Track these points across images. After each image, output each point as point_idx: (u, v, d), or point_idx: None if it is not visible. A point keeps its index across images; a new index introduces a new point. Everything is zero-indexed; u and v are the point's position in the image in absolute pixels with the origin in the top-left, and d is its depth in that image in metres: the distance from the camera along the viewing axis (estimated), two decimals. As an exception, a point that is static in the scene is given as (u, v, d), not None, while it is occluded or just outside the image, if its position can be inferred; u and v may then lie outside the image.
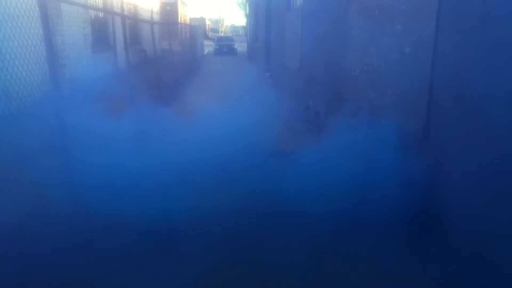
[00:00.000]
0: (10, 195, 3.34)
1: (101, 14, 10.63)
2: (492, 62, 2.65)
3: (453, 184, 3.09)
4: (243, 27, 62.30)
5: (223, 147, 6.06)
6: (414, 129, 3.54)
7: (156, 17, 13.00)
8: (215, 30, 65.66)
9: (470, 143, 2.87)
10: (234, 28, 76.89)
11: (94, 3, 6.54)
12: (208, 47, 35.57)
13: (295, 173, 5.04)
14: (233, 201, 4.16)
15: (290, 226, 3.69)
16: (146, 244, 3.39)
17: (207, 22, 62.56)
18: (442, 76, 3.19)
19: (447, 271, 2.97)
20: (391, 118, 4.03)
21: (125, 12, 7.19)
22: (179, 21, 25.30)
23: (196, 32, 23.28)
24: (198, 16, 54.19)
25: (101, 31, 11.04)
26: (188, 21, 32.97)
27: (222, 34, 51.68)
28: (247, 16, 31.46)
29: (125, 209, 3.79)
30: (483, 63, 2.74)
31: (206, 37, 49.32)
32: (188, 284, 2.88)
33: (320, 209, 3.94)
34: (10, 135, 3.69)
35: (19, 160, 3.68)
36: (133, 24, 11.79)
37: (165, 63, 11.49)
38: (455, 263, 3.01)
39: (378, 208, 3.98)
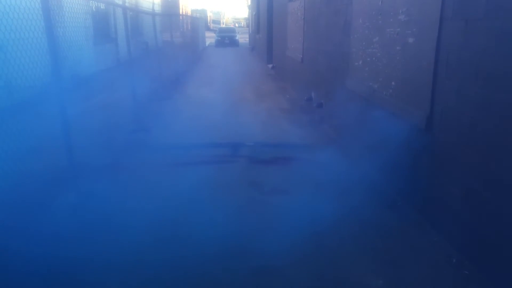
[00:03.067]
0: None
1: (102, 6, 10.57)
2: (497, 52, 2.63)
3: (456, 175, 3.08)
4: (245, 18, 61.95)
5: (222, 139, 6.06)
6: (418, 120, 3.53)
7: (157, 9, 12.92)
8: (216, 22, 65.30)
9: (474, 134, 2.86)
10: (236, 20, 76.47)
11: (95, -5, 6.51)
12: (210, 38, 35.43)
13: (297, 166, 5.04)
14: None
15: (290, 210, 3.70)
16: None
17: (209, 14, 62.20)
18: (446, 67, 3.17)
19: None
20: (394, 109, 4.01)
21: (127, 4, 7.15)
22: (181, 12, 25.17)
23: (197, 23, 23.17)
24: (199, 8, 53.87)
25: (102, 23, 11.00)
26: (189, 13, 32.80)
27: (223, 26, 51.39)
28: (249, 7, 31.26)
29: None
30: (487, 54, 2.71)
31: (208, 28, 49.07)
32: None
33: (319, 201, 3.95)
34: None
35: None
36: (134, 15, 11.73)
37: (167, 55, 11.45)
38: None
39: (381, 197, 3.99)
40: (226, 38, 31.23)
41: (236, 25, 62.28)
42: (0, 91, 4.75)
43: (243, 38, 36.68)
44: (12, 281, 2.77)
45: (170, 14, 14.85)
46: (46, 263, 2.94)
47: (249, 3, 30.50)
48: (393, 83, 4.03)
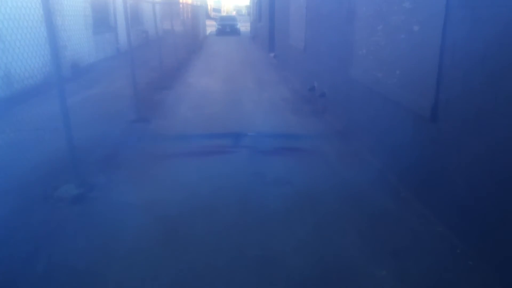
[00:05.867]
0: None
1: (101, -6, 10.44)
2: (504, 40, 2.57)
3: (460, 165, 3.05)
4: (246, 6, 61.39)
5: (225, 129, 6.03)
6: (422, 109, 3.48)
7: (157, -3, 12.74)
8: (217, 10, 64.73)
9: (480, 124, 2.81)
10: (237, 8, 75.80)
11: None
12: (211, 27, 35.14)
13: (300, 156, 5.01)
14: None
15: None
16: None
17: (209, 2, 61.61)
18: (451, 55, 3.12)
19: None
20: (398, 98, 3.96)
21: (126, -8, 7.04)
22: (181, 0, 24.90)
23: (198, 12, 22.96)
24: (200, -4, 53.21)
25: (102, 12, 10.89)
26: (189, 1, 32.45)
27: (224, 14, 50.96)
28: (250, -5, 30.93)
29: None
30: (494, 42, 2.66)
31: (209, 17, 48.67)
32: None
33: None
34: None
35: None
36: (134, 4, 11.59)
37: (167, 44, 11.35)
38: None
39: (384, 188, 3.97)
40: (227, 26, 30.97)
41: (235, 13, 61.67)
42: (-1, 81, 4.71)
43: (244, 26, 36.38)
44: (12, 276, 2.77)
45: (170, 2, 14.69)
46: (47, 256, 2.94)
47: (250, -9, 30.18)
48: (397, 72, 3.97)
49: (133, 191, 3.96)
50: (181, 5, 16.55)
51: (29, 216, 3.38)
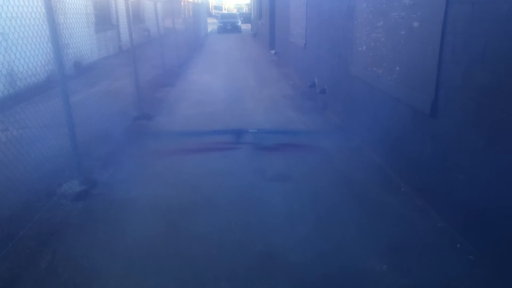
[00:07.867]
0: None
1: (103, -8, 10.45)
2: (504, 35, 2.58)
3: (460, 160, 3.07)
4: (247, 4, 61.23)
5: (226, 126, 6.05)
6: (422, 105, 3.50)
7: (159, -5, 12.73)
8: (218, 8, 64.60)
9: (480, 119, 2.83)
10: (237, 5, 75.62)
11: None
12: (212, 25, 35.11)
13: (300, 152, 5.03)
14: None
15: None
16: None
17: (210, 0, 61.43)
18: (451, 51, 3.13)
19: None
20: (398, 94, 3.98)
21: (128, -10, 7.05)
22: (182, -2, 24.88)
23: (199, 9, 22.94)
24: (201, -6, 52.97)
25: (103, 10, 10.91)
26: (191, -1, 32.38)
27: (225, 12, 50.86)
28: (251, -8, 30.84)
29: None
30: (494, 37, 2.67)
31: (210, 14, 48.59)
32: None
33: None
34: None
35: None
36: (136, 2, 11.61)
37: (169, 41, 11.37)
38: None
39: (385, 183, 3.99)
40: (228, 24, 30.93)
41: (236, 10, 61.50)
42: (2, 79, 4.74)
43: (245, 24, 36.30)
44: (18, 271, 2.80)
45: (172, 0, 14.71)
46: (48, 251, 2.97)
47: (251, -11, 30.09)
48: (397, 68, 3.99)
49: (136, 187, 3.99)
50: (182, 3, 16.54)
51: (33, 213, 3.42)
